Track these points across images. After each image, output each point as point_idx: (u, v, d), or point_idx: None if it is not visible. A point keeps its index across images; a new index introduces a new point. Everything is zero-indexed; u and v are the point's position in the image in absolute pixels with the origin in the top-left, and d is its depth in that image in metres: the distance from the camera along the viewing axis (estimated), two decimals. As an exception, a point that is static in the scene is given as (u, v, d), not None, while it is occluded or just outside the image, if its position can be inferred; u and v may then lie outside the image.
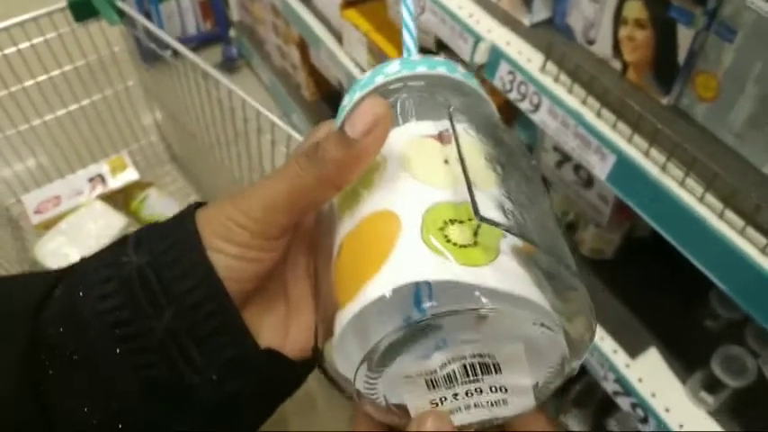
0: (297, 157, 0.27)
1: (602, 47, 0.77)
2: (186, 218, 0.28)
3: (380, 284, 0.23)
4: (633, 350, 0.88)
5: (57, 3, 1.02)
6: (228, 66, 2.07)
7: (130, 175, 1.25)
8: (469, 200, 0.23)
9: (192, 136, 1.13)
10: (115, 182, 1.24)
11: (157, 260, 0.27)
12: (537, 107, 0.79)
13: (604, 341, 0.89)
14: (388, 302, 0.23)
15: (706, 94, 0.68)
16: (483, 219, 0.22)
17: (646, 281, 0.99)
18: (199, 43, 2.06)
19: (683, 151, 0.65)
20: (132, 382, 0.27)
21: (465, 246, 0.23)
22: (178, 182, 1.36)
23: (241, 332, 0.28)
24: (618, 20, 0.73)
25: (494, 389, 0.25)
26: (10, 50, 1.03)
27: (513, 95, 0.82)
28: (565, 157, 0.97)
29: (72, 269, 0.29)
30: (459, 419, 0.26)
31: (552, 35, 0.83)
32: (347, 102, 0.30)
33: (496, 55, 0.82)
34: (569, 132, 0.75)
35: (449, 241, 0.23)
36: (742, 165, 0.66)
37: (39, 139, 1.18)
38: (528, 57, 0.81)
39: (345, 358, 0.25)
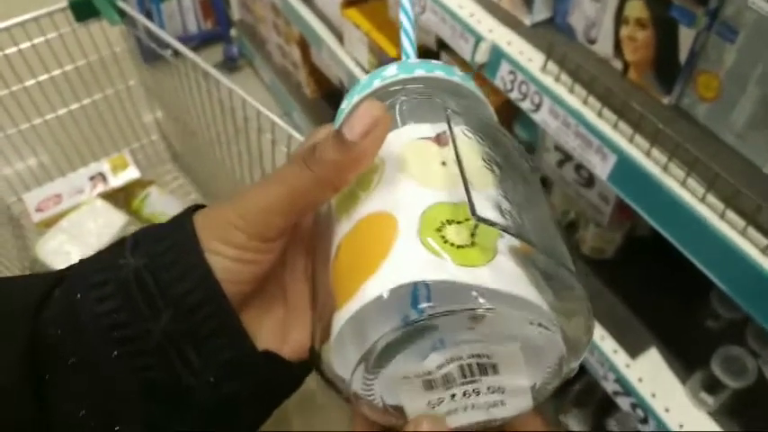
0: (295, 158, 0.27)
1: (604, 46, 0.77)
2: (184, 220, 0.28)
3: (378, 285, 0.23)
4: (633, 350, 0.88)
5: (57, 3, 1.02)
6: (229, 65, 2.07)
7: (131, 173, 1.25)
8: (466, 200, 0.23)
9: (193, 135, 1.13)
10: (116, 180, 1.24)
11: (155, 262, 0.27)
12: (538, 107, 0.79)
13: (604, 341, 0.89)
14: (385, 303, 0.23)
15: (707, 94, 0.68)
16: (480, 219, 0.22)
17: (646, 281, 0.98)
18: (200, 42, 2.07)
19: (684, 151, 0.65)
20: (131, 384, 0.26)
21: (462, 246, 0.23)
22: (179, 180, 1.36)
23: (239, 334, 0.28)
24: (619, 19, 0.73)
25: (491, 390, 0.25)
26: (11, 50, 1.03)
27: (514, 95, 0.82)
28: (566, 157, 0.97)
29: (71, 271, 0.29)
30: (457, 421, 0.26)
31: (553, 35, 0.83)
32: (345, 105, 0.30)
33: (497, 55, 0.82)
34: (570, 132, 0.75)
35: (446, 242, 0.23)
36: (743, 165, 0.65)
37: (40, 137, 1.18)
38: (529, 56, 0.81)
39: (342, 359, 0.25)
